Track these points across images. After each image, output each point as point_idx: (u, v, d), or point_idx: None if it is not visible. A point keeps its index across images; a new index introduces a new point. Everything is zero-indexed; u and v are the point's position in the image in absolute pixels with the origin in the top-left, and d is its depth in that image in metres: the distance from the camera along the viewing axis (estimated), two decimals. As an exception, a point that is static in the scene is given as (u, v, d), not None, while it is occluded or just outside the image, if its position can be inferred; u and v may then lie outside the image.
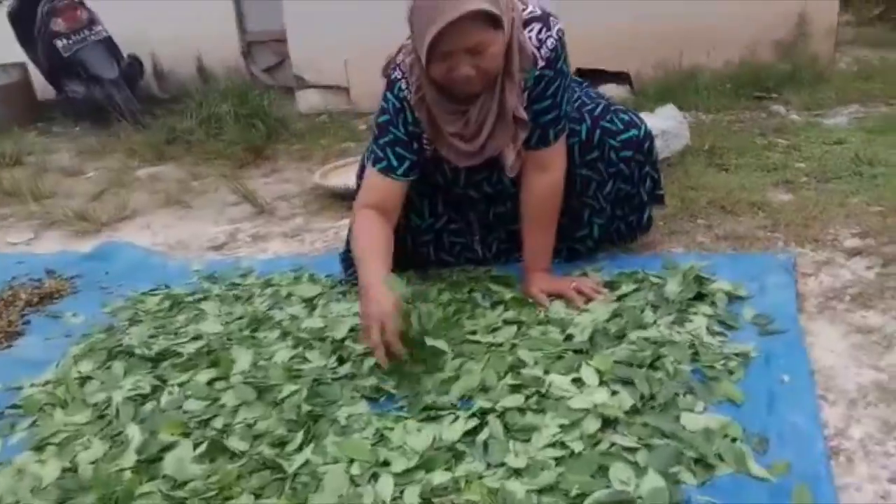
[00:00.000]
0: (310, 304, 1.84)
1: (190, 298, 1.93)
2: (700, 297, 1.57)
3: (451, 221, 1.85)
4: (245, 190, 2.82)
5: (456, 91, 1.52)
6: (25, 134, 4.59)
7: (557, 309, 1.60)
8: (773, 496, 1.04)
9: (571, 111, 1.68)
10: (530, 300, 1.65)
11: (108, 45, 4.44)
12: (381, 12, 4.12)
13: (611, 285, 1.69)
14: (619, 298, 1.62)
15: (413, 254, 1.86)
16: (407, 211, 1.76)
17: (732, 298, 1.56)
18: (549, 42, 1.55)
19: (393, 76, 1.62)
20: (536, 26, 1.56)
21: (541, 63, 1.56)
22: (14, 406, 1.51)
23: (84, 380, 1.56)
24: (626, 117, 1.75)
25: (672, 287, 1.61)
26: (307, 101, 4.50)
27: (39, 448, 1.35)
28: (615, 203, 1.80)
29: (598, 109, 1.74)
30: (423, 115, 1.59)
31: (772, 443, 1.14)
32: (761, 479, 1.07)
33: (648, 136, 1.76)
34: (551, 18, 1.58)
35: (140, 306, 1.93)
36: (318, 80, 4.46)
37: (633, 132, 1.73)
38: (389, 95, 1.63)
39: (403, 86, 1.60)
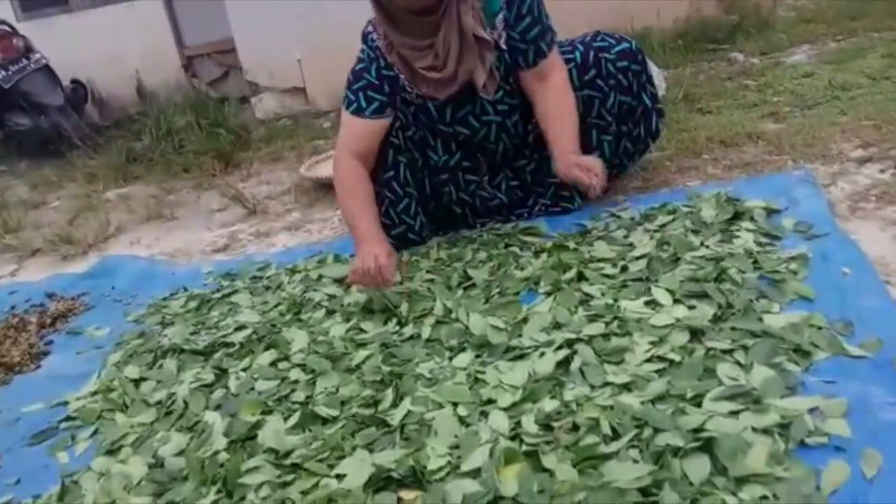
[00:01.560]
0: (343, 282, 1.81)
1: (217, 295, 1.88)
2: (737, 216, 1.62)
3: (464, 159, 1.88)
4: (236, 191, 2.75)
5: (414, 6, 1.58)
6: (-33, 177, 4.37)
7: (603, 249, 1.62)
8: (877, 369, 1.08)
9: (551, 23, 1.76)
10: (572, 243, 1.67)
11: (49, 71, 4.28)
12: (328, 7, 4.11)
13: (646, 218, 1.72)
14: (659, 229, 1.65)
15: (433, 198, 1.90)
16: (423, 149, 1.85)
17: (769, 213, 1.61)
18: None
19: (366, 31, 1.77)
20: None
21: None
22: (68, 418, 1.44)
23: (137, 382, 1.50)
24: (616, 35, 1.85)
25: (708, 212, 1.65)
26: (264, 106, 4.43)
27: (112, 452, 1.30)
28: (619, 118, 1.85)
29: (588, 37, 1.85)
30: (395, 58, 1.71)
31: (855, 326, 1.19)
32: (859, 358, 1.11)
33: (640, 49, 1.85)
34: None
35: (166, 310, 1.86)
36: (272, 84, 4.40)
37: (626, 45, 1.82)
38: (364, 47, 1.78)
39: (375, 37, 1.74)
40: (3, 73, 4.07)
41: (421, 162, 1.87)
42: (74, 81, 4.49)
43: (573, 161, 1.63)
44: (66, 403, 1.50)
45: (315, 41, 4.18)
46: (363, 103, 1.75)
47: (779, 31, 3.73)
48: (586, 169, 1.60)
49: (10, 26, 4.31)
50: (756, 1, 3.92)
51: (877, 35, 3.28)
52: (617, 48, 1.80)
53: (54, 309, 2.02)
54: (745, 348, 1.16)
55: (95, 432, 1.38)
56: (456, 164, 1.89)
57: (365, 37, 1.77)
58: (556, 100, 1.73)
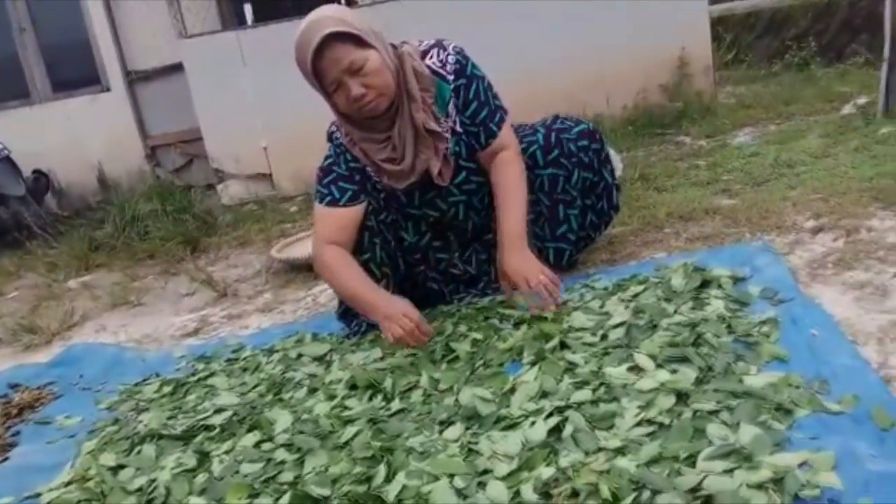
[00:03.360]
0: (323, 360, 1.81)
1: (192, 379, 1.84)
2: (705, 285, 1.69)
3: (434, 239, 1.95)
4: (206, 274, 2.74)
5: (366, 115, 1.70)
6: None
7: (581, 319, 1.66)
8: (857, 424, 1.12)
9: (501, 104, 1.86)
10: (549, 314, 1.70)
11: (10, 163, 4.25)
12: (292, 96, 4.22)
13: (619, 288, 1.78)
14: (633, 298, 1.71)
15: (408, 277, 1.96)
16: (396, 231, 1.91)
17: (735, 281, 1.69)
18: (450, 59, 1.79)
19: (330, 130, 1.87)
20: (434, 52, 1.79)
21: (451, 77, 1.78)
22: (40, 511, 1.37)
23: (114, 470, 1.44)
24: (574, 118, 1.97)
25: (677, 281, 1.72)
26: (229, 192, 4.47)
27: (90, 544, 1.24)
28: (583, 194, 1.95)
29: (547, 121, 1.96)
30: (359, 152, 1.80)
31: (830, 384, 1.24)
32: (838, 413, 1.16)
33: (597, 129, 1.97)
34: (444, 41, 1.82)
35: (139, 396, 1.82)
36: (238, 171, 4.45)
37: (584, 126, 1.94)
38: (330, 145, 1.87)
39: (339, 135, 1.83)
40: (-37, 167, 4.04)
41: (394, 243, 1.92)
42: (36, 171, 4.47)
43: (511, 266, 1.73)
44: (37, 495, 1.43)
45: (280, 129, 4.28)
46: (336, 194, 1.82)
47: (721, 116, 3.98)
48: (526, 280, 1.70)
49: (-28, 118, 4.31)
50: (698, 89, 4.20)
51: (811, 118, 3.54)
52: (576, 129, 1.92)
53: (19, 399, 1.94)
54: (729, 409, 1.20)
55: (71, 525, 1.32)
56: (427, 244, 1.95)
57: (330, 136, 1.86)
58: (506, 179, 1.80)
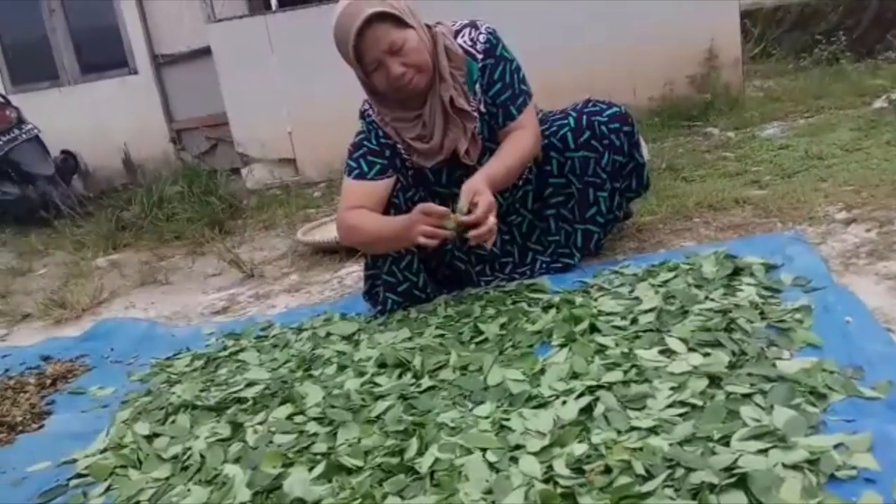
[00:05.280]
0: (352, 340, 1.83)
1: (223, 354, 1.87)
2: (737, 272, 1.68)
3: None
4: (233, 255, 2.77)
5: (405, 94, 1.73)
6: (-52, 246, 4.32)
7: (610, 303, 1.66)
8: (891, 409, 1.12)
9: (528, 89, 1.88)
10: (579, 298, 1.71)
11: (39, 142, 4.31)
12: (319, 81, 4.24)
13: (649, 274, 1.78)
14: (663, 284, 1.70)
15: (434, 255, 1.95)
16: None
17: (767, 269, 1.68)
18: (481, 38, 1.82)
19: (362, 108, 1.92)
20: (466, 31, 1.83)
21: (480, 56, 1.81)
22: (78, 476, 1.41)
23: (149, 438, 1.47)
24: (606, 101, 1.96)
25: (708, 268, 1.71)
26: (254, 176, 4.50)
27: (128, 507, 1.27)
28: (613, 175, 1.94)
29: (579, 105, 1.96)
30: (390, 130, 1.85)
31: (865, 370, 1.23)
32: (873, 398, 1.15)
33: (629, 113, 1.97)
34: (478, 21, 1.84)
35: (170, 370, 1.85)
36: (262, 155, 4.48)
37: (616, 109, 1.94)
38: (362, 122, 1.91)
39: (371, 112, 1.88)
40: (-5, 143, 4.10)
41: None
42: (64, 152, 4.54)
43: (474, 187, 1.68)
44: (74, 461, 1.47)
45: (305, 115, 4.31)
46: (365, 168, 1.86)
47: (749, 109, 3.95)
48: (473, 200, 1.65)
49: (4, 97, 4.37)
50: (726, 81, 4.16)
51: (842, 112, 3.49)
52: (608, 112, 1.92)
53: (52, 371, 1.98)
54: (763, 392, 1.20)
55: (108, 489, 1.34)
56: None
57: (362, 114, 1.91)
58: (507, 142, 1.82)
